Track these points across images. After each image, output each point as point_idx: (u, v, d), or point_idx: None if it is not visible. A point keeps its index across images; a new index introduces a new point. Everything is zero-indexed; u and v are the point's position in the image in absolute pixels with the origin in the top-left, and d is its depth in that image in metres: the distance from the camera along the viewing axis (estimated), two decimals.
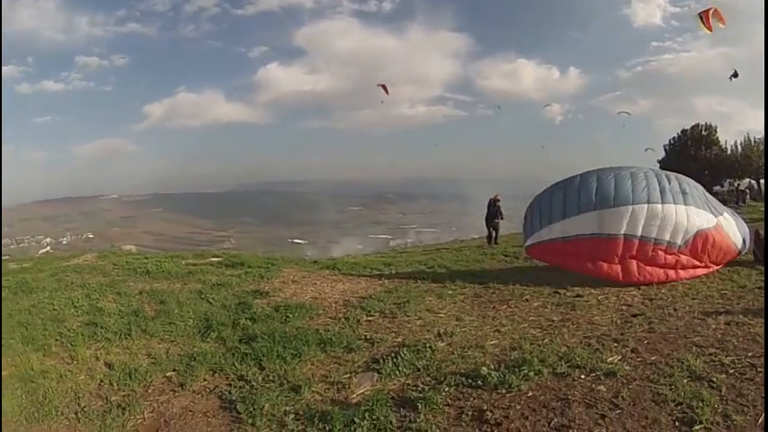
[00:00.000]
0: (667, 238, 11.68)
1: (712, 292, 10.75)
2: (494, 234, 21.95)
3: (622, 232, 11.62)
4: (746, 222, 14.10)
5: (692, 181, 13.32)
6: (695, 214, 11.95)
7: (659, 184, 11.92)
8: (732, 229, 12.96)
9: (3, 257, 18.92)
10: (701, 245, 11.92)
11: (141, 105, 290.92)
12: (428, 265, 16.09)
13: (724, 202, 37.74)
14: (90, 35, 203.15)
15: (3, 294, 10.21)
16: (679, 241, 11.74)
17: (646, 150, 58.35)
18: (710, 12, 23.35)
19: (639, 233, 11.60)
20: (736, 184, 47.87)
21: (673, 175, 12.74)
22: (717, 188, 51.96)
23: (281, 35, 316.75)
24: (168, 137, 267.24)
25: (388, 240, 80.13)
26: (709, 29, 23.27)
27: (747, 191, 44.08)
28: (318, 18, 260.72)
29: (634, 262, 11.68)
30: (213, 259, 15.31)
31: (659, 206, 11.63)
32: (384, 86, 41.57)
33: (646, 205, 11.60)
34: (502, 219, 22.57)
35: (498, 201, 22.44)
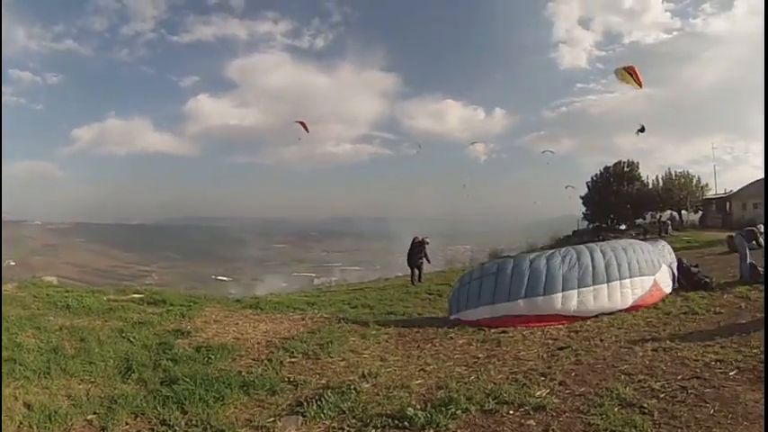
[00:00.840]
0: (602, 310, 11.68)
1: (638, 320, 10.79)
2: (417, 273, 21.82)
3: (553, 314, 11.51)
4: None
5: (635, 242, 13.85)
6: (630, 286, 12.07)
7: (593, 265, 11.94)
8: (666, 280, 13.30)
9: None
10: (636, 305, 12.00)
11: (70, 128, 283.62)
12: (352, 304, 15.87)
13: (646, 233, 39.18)
14: (26, 48, 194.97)
15: None
16: (615, 309, 11.75)
17: (566, 187, 60.36)
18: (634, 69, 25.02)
19: (572, 312, 11.51)
20: (658, 216, 49.76)
21: (610, 247, 12.80)
22: (639, 221, 54.02)
23: (214, 66, 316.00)
24: (95, 163, 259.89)
25: (313, 278, 79.35)
26: (640, 84, 24.77)
27: (669, 222, 45.89)
28: (252, 51, 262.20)
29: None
30: (135, 296, 14.59)
31: (591, 288, 11.65)
32: (303, 123, 41.07)
33: (576, 291, 11.59)
34: (428, 262, 22.64)
35: (427, 243, 22.39)
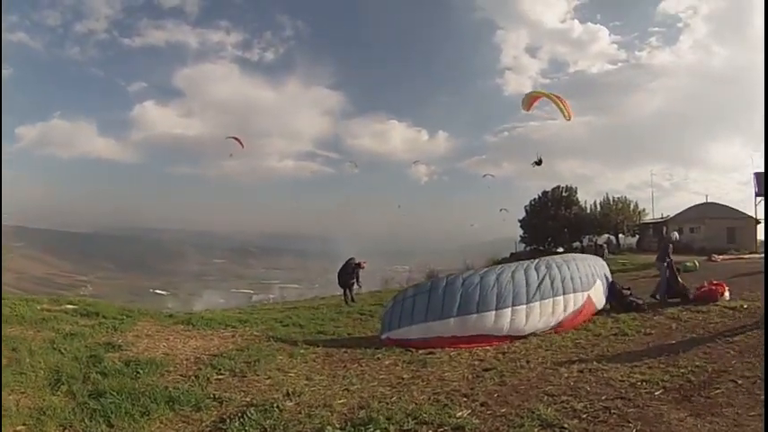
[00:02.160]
0: (535, 328, 11.68)
1: (566, 342, 10.76)
2: (348, 293, 21.69)
3: (485, 333, 11.37)
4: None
5: (571, 256, 14.18)
6: (563, 303, 12.14)
7: (527, 283, 11.90)
8: (599, 296, 13.59)
9: None
10: (568, 321, 12.10)
11: (14, 125, 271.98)
12: (284, 322, 15.56)
13: (582, 253, 39.68)
14: None
15: None
16: (548, 327, 11.80)
17: (500, 210, 61.54)
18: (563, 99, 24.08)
19: (505, 331, 11.42)
20: (594, 240, 50.88)
21: (545, 263, 12.84)
22: (576, 244, 55.11)
23: (162, 73, 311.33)
24: (37, 165, 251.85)
25: (251, 295, 78.89)
26: (569, 116, 23.49)
27: (605, 245, 46.82)
28: (201, 60, 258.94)
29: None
30: (68, 306, 14.15)
31: (523, 307, 11.59)
32: (237, 139, 40.39)
33: (509, 309, 11.49)
34: (359, 287, 22.62)
35: (362, 267, 22.27)
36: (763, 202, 42.47)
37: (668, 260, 16.09)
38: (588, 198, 63.03)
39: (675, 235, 18.03)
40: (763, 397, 6.15)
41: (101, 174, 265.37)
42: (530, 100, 24.24)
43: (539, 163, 29.76)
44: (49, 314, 12.65)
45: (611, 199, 58.94)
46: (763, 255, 31.71)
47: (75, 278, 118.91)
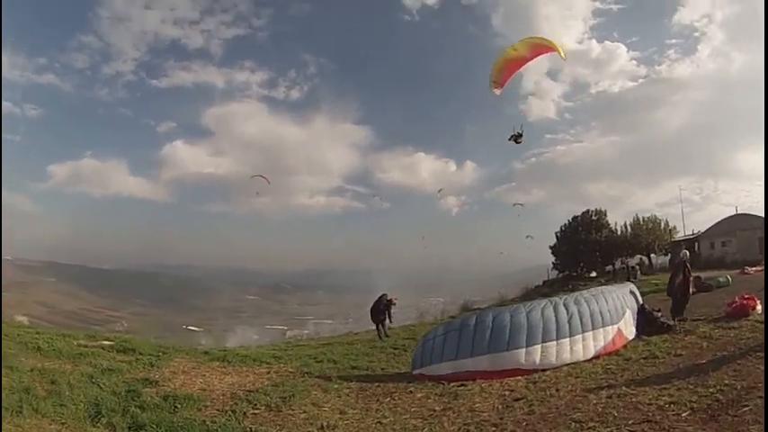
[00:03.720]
0: (565, 362, 11.58)
1: (597, 368, 10.71)
2: (381, 328, 21.92)
3: (515, 368, 11.35)
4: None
5: (599, 291, 13.79)
6: (593, 338, 12.06)
7: (557, 320, 11.88)
8: (629, 327, 13.38)
9: None
10: (601, 353, 11.99)
11: (46, 164, 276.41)
12: (318, 358, 15.73)
13: (615, 276, 39.35)
14: (8, 77, 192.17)
15: None
16: (579, 361, 11.68)
17: (526, 237, 61.36)
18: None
19: (537, 366, 11.38)
20: (626, 262, 50.51)
21: (573, 299, 12.74)
22: (609, 267, 54.55)
23: (191, 113, 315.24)
24: (69, 202, 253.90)
25: (285, 331, 78.72)
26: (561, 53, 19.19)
27: (638, 267, 46.58)
28: (228, 99, 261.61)
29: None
30: (105, 342, 14.55)
31: (554, 344, 11.57)
32: (263, 176, 41.07)
33: (540, 345, 11.49)
34: (391, 322, 22.87)
35: (394, 303, 22.56)
36: None
37: (682, 277, 15.90)
38: (618, 220, 62.03)
39: (686, 253, 17.45)
40: None
41: (132, 212, 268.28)
42: (502, 72, 19.80)
43: (517, 138, 22.82)
44: (86, 349, 13.02)
45: (641, 219, 58.07)
46: None
47: (107, 314, 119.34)
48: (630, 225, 58.44)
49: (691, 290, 16.02)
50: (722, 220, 52.55)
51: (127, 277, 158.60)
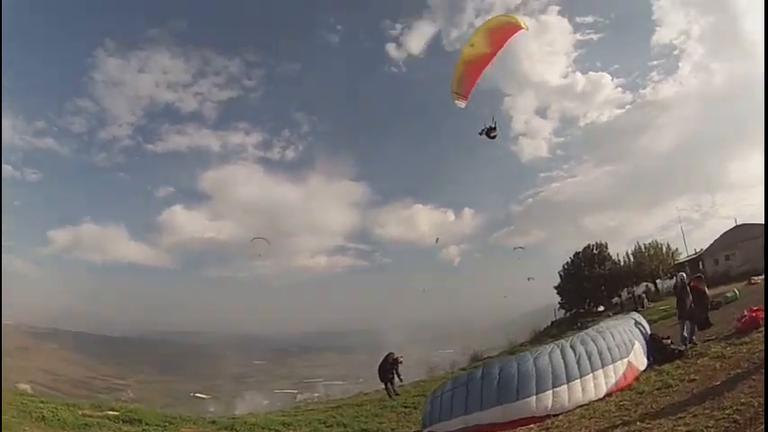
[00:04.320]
0: (579, 404, 11.36)
1: (610, 406, 10.47)
2: (390, 387, 21.63)
3: (527, 416, 11.16)
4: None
5: (605, 326, 13.75)
6: (603, 375, 11.87)
7: (565, 363, 11.71)
8: (640, 358, 13.21)
9: None
10: (612, 390, 11.75)
11: (47, 229, 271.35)
12: (327, 422, 15.49)
13: (622, 307, 39.04)
14: (8, 140, 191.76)
15: None
16: (592, 400, 11.47)
17: (528, 279, 61.33)
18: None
19: (549, 411, 11.18)
20: (632, 291, 51.07)
21: (579, 340, 12.61)
22: (615, 299, 54.19)
23: (188, 177, 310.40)
24: (71, 267, 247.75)
25: (295, 395, 77.69)
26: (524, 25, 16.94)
27: (644, 295, 46.20)
28: (224, 162, 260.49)
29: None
30: (110, 413, 14.18)
31: (564, 387, 11.37)
32: (262, 238, 41.21)
33: (550, 391, 11.29)
34: (400, 380, 22.49)
35: (400, 362, 22.23)
36: None
37: (692, 298, 15.74)
38: (620, 249, 63.68)
39: (683, 275, 17.27)
40: None
41: (134, 278, 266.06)
42: (463, 80, 18.04)
43: (489, 132, 19.75)
44: (91, 420, 12.74)
45: (642, 246, 57.83)
46: None
47: (113, 381, 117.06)
48: (632, 254, 58.11)
49: (708, 302, 16.53)
50: (723, 234, 52.43)
51: (131, 344, 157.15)
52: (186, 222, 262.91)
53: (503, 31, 16.93)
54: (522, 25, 16.58)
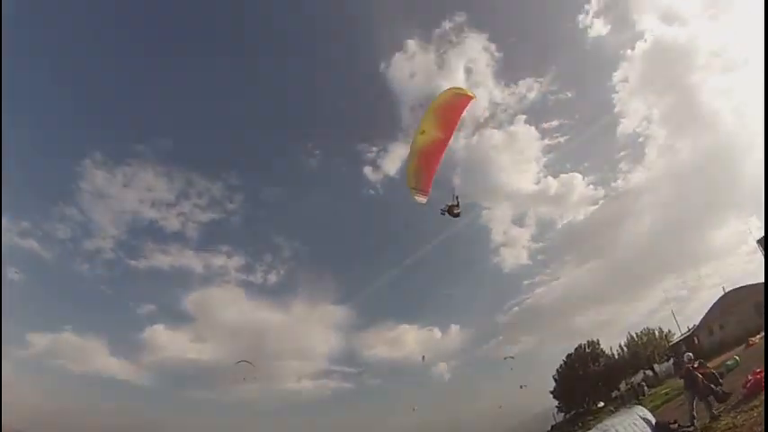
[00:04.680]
0: None
1: None
2: None
3: None
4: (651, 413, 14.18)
5: (615, 422, 12.82)
6: None
7: None
8: None
9: None
10: None
11: (26, 331, 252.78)
12: None
13: (623, 399, 37.04)
14: None
15: None
16: None
17: (521, 387, 60.05)
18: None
19: None
20: (631, 382, 49.89)
21: None
22: (615, 393, 52.44)
23: (170, 296, 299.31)
24: (49, 374, 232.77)
25: None
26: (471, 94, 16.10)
27: (644, 383, 44.89)
28: (207, 284, 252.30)
29: None
30: None
31: None
32: (247, 361, 39.17)
33: None
34: None
35: None
36: None
37: (700, 378, 14.56)
38: (613, 343, 62.65)
39: (690, 356, 16.14)
40: None
41: (114, 393, 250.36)
42: (420, 173, 16.76)
43: (452, 210, 18.07)
44: None
45: (634, 336, 57.19)
46: None
47: None
48: (626, 345, 57.31)
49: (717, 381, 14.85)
50: (713, 306, 51.18)
51: None
52: (168, 342, 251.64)
53: (453, 109, 15.92)
54: (470, 94, 15.78)
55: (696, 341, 51.15)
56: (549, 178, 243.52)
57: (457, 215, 18.19)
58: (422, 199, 16.87)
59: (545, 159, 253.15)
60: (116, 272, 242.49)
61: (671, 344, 55.40)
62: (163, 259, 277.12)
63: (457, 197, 18.12)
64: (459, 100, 15.76)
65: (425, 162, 16.40)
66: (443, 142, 16.04)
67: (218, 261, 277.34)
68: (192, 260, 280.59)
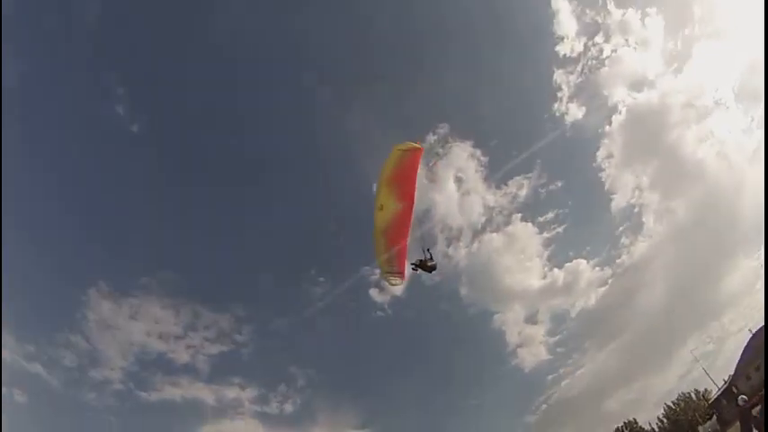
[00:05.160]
0: None
1: None
2: None
3: None
4: None
5: None
6: None
7: None
8: None
9: None
10: None
11: None
12: None
13: None
14: None
15: None
16: None
17: None
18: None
19: None
20: None
21: None
22: None
23: (183, 430, 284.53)
24: None
25: None
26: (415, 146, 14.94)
27: None
28: (220, 416, 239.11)
29: None
30: None
31: None
32: None
33: None
34: None
35: None
36: None
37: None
38: (651, 416, 61.07)
39: (743, 398, 15.97)
40: None
41: None
42: (392, 258, 15.39)
43: (425, 264, 16.49)
44: None
45: (671, 404, 56.55)
46: None
47: None
48: (664, 416, 56.42)
49: None
50: (745, 349, 49.30)
51: None
52: None
53: (406, 170, 14.76)
54: (416, 146, 14.63)
55: (735, 390, 48.57)
56: (555, 270, 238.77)
57: (432, 268, 16.78)
58: (397, 281, 16.03)
59: (547, 252, 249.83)
60: (125, 403, 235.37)
61: (710, 401, 53.08)
62: (174, 391, 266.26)
63: (428, 250, 16.67)
64: (408, 158, 14.77)
65: (393, 241, 15.25)
66: (406, 211, 15.01)
67: (231, 393, 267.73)
68: (203, 392, 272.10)
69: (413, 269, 16.30)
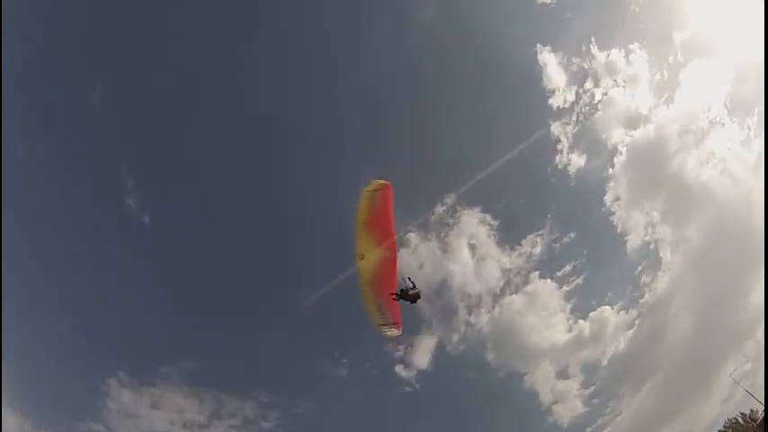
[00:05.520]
0: None
1: None
2: None
3: None
4: None
5: None
6: None
7: None
8: None
9: None
10: None
11: None
12: None
13: None
14: None
15: None
16: None
17: None
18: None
19: None
20: None
21: None
22: None
23: None
24: None
25: None
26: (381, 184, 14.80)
27: None
28: None
29: None
30: None
31: None
32: None
33: None
34: None
35: None
36: None
37: None
38: None
39: None
40: None
41: None
42: (384, 310, 14.95)
43: (407, 293, 15.84)
44: None
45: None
46: None
47: None
48: None
49: None
50: None
51: None
52: None
53: (377, 210, 14.29)
54: (382, 182, 14.34)
55: None
56: (580, 321, 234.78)
57: (415, 297, 15.84)
58: (395, 332, 15.57)
59: (569, 305, 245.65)
60: None
61: (758, 421, 53.03)
62: None
63: (409, 278, 16.18)
64: (379, 197, 14.36)
65: (381, 290, 14.88)
66: (389, 255, 14.60)
67: None
68: None
69: (394, 300, 15.43)
